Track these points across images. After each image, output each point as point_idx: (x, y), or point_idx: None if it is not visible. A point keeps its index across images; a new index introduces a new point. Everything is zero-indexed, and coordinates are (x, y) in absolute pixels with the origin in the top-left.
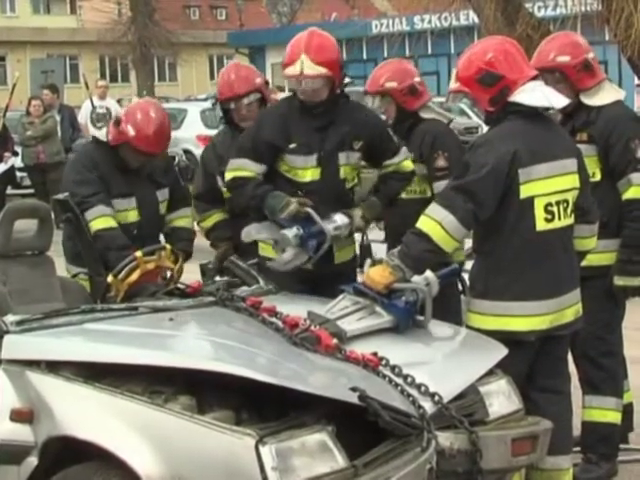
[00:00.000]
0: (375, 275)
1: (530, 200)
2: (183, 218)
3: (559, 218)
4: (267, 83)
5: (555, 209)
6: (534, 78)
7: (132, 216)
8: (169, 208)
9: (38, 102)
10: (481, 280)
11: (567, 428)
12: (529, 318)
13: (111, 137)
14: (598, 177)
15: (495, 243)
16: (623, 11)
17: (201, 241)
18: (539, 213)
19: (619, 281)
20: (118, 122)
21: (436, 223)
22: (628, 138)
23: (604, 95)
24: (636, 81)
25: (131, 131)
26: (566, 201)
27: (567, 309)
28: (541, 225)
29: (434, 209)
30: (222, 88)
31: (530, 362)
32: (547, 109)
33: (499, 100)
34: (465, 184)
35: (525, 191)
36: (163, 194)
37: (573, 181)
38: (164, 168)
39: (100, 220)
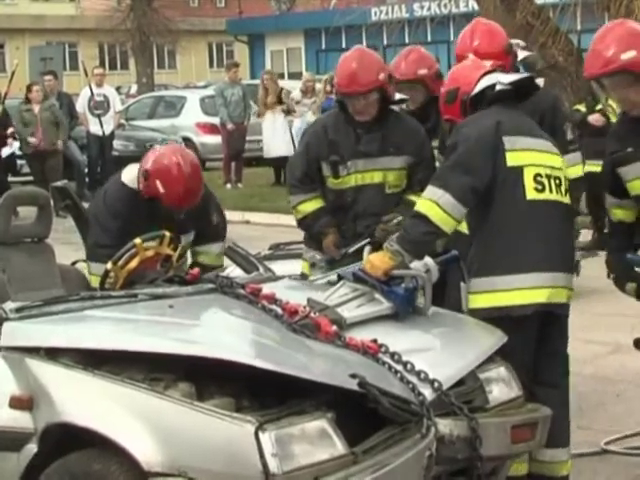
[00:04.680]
0: (375, 260)
1: (519, 169)
2: (207, 255)
3: (550, 191)
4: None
5: (545, 181)
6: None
7: None
8: (196, 240)
9: (39, 87)
10: (475, 258)
11: (565, 421)
12: (525, 291)
13: (142, 188)
14: None
15: (487, 216)
16: None
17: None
18: (528, 182)
19: None
20: (146, 175)
21: (433, 203)
22: None
23: None
24: None
25: (161, 188)
26: (558, 178)
27: (562, 289)
28: (531, 194)
29: (429, 190)
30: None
31: (531, 348)
32: (518, 100)
33: (464, 108)
34: (455, 159)
35: (512, 159)
36: (187, 238)
37: (561, 163)
38: (195, 215)
39: (96, 279)
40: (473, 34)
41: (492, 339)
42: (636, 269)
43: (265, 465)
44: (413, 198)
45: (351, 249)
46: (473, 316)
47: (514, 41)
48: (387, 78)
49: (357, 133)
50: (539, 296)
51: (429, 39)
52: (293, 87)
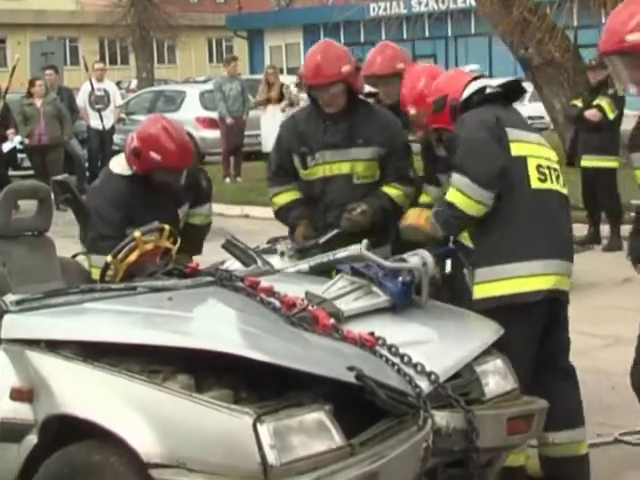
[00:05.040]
0: (413, 214)
1: (523, 159)
2: (198, 216)
3: (551, 181)
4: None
5: (547, 172)
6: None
7: None
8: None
9: (42, 82)
10: (481, 247)
11: (578, 402)
12: (533, 278)
13: (138, 168)
14: None
15: (494, 207)
16: None
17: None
18: (532, 172)
19: None
20: (137, 152)
21: (456, 190)
22: None
23: None
24: None
25: (156, 156)
26: (556, 170)
27: (565, 276)
28: (535, 184)
29: (453, 178)
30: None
31: (538, 336)
32: (510, 101)
33: (454, 113)
34: (469, 145)
35: (516, 149)
36: (183, 210)
37: (555, 156)
38: (189, 185)
39: (97, 271)
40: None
41: (489, 332)
42: None
43: (263, 457)
44: (386, 189)
45: (321, 240)
46: (480, 306)
47: (474, 66)
48: (353, 71)
49: (326, 125)
50: (547, 283)
51: (427, 34)
52: (292, 82)
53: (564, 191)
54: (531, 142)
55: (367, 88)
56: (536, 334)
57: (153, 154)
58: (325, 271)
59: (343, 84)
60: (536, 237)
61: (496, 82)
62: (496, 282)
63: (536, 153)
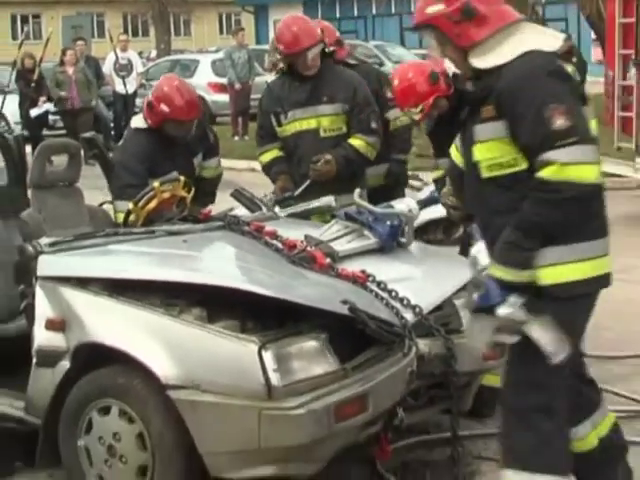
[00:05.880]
0: None
1: None
2: (208, 169)
3: None
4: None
5: None
6: None
7: None
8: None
9: (72, 51)
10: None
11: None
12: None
13: (151, 121)
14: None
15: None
16: None
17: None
18: None
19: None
20: (151, 105)
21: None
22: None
23: (503, 49)
24: (593, 36)
25: (166, 108)
26: None
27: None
28: None
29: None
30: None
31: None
32: None
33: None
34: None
35: None
36: (197, 160)
37: None
38: (199, 137)
39: (121, 215)
40: None
41: (467, 270)
42: None
43: (267, 379)
44: (350, 140)
45: (297, 192)
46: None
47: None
48: (321, 33)
49: (295, 86)
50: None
51: (412, 9)
52: None
53: None
54: None
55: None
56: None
57: (163, 106)
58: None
59: (319, 45)
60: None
61: None
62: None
63: None
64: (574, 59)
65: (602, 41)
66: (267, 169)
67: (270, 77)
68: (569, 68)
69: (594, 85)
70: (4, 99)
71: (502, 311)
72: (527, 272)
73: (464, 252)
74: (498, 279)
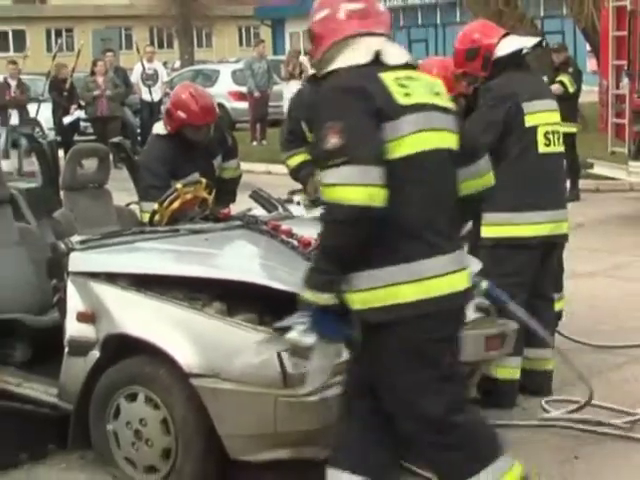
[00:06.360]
0: None
1: (534, 128)
2: (228, 170)
3: (554, 144)
4: None
5: (551, 137)
6: (505, 36)
7: None
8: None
9: (102, 63)
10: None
11: (554, 326)
12: (532, 226)
13: (170, 127)
14: None
15: (504, 167)
16: None
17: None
18: (540, 139)
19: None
20: (169, 113)
21: None
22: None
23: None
24: (588, 48)
25: (182, 114)
26: (557, 132)
27: (563, 222)
28: (542, 149)
29: None
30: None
31: (536, 269)
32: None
33: (486, 64)
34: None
35: (529, 120)
36: (217, 161)
37: (558, 117)
38: (218, 140)
39: (147, 215)
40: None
41: (472, 264)
42: None
43: (283, 368)
44: None
45: None
46: (486, 243)
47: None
48: None
49: None
50: (544, 230)
51: (420, 23)
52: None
53: (562, 149)
54: (544, 110)
55: None
56: (534, 265)
57: (180, 113)
58: None
59: None
60: (538, 193)
61: (529, 41)
62: (500, 226)
63: (545, 121)
64: (570, 69)
65: (597, 53)
66: (295, 172)
67: (285, 85)
68: (565, 78)
69: (589, 94)
70: (39, 107)
71: (289, 336)
72: (326, 295)
73: (473, 248)
74: (305, 301)
